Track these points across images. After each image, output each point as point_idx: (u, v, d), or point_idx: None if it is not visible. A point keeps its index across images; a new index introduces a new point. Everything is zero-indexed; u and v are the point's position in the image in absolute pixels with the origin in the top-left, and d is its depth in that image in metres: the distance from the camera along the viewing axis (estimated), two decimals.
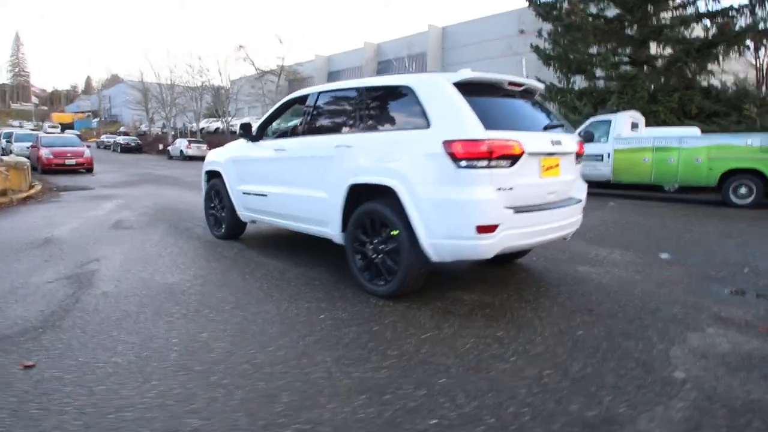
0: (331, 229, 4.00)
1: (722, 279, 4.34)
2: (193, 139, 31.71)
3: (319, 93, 4.33)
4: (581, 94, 17.86)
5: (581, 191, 3.98)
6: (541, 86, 3.97)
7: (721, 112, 15.31)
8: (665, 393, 2.30)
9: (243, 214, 5.23)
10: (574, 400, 2.22)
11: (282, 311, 3.34)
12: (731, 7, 15.27)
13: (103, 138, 40.92)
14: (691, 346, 2.85)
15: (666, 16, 16.43)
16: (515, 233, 3.25)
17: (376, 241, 3.61)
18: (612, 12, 17.68)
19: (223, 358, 2.61)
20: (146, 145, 38.62)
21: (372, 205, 3.59)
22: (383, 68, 41.31)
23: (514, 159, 3.18)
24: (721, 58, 15.01)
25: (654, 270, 4.61)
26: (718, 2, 15.72)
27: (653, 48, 17.05)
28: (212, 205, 5.78)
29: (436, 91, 3.36)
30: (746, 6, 15.01)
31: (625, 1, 16.65)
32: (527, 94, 3.89)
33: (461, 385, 2.35)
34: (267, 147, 4.77)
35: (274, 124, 5.25)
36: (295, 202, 4.31)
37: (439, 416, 2.07)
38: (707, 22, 15.88)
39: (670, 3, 16.46)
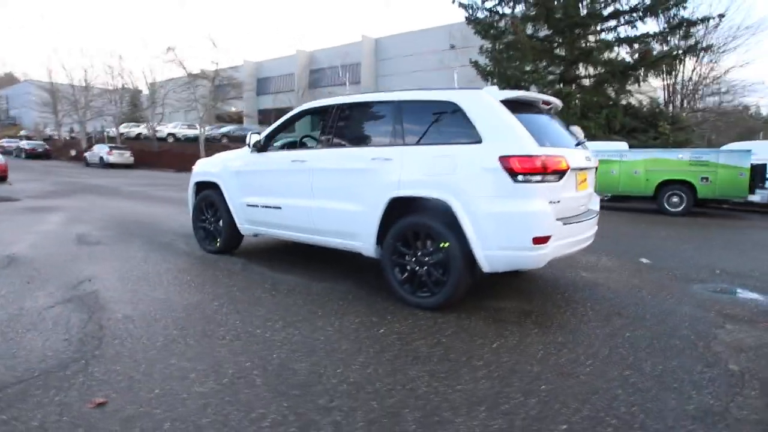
0: (362, 243, 3.96)
1: (704, 280, 4.87)
2: (115, 145, 29.40)
3: (343, 105, 4.28)
4: None
5: (597, 204, 4.30)
6: (560, 104, 4.23)
7: (640, 128, 17.08)
8: (734, 384, 2.56)
9: (245, 227, 5.00)
10: (668, 396, 2.41)
11: (338, 327, 3.25)
12: (647, 34, 17.13)
13: (3, 142, 36.63)
14: (723, 341, 3.19)
15: (592, 39, 18.04)
16: (562, 244, 3.45)
17: (419, 254, 3.64)
18: (544, 32, 19.13)
19: (314, 380, 2.51)
20: (55, 150, 35.18)
21: (418, 219, 3.62)
22: (317, 77, 41.23)
23: (561, 174, 3.38)
24: (641, 79, 16.74)
25: (645, 274, 5.05)
26: (636, 29, 17.58)
27: (581, 68, 18.63)
28: (203, 218, 5.46)
29: (485, 107, 3.48)
30: (660, 34, 16.93)
31: (556, 24, 18.09)
32: (551, 111, 4.14)
33: (563, 390, 2.45)
34: (280, 158, 4.62)
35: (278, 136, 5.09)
36: (319, 216, 4.21)
37: (565, 421, 2.16)
38: (632, 46, 17.66)
39: (595, 28, 18.13)
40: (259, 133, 4.77)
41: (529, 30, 18.57)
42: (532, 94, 3.85)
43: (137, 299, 3.75)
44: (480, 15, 20.16)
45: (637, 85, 17.18)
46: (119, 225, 7.32)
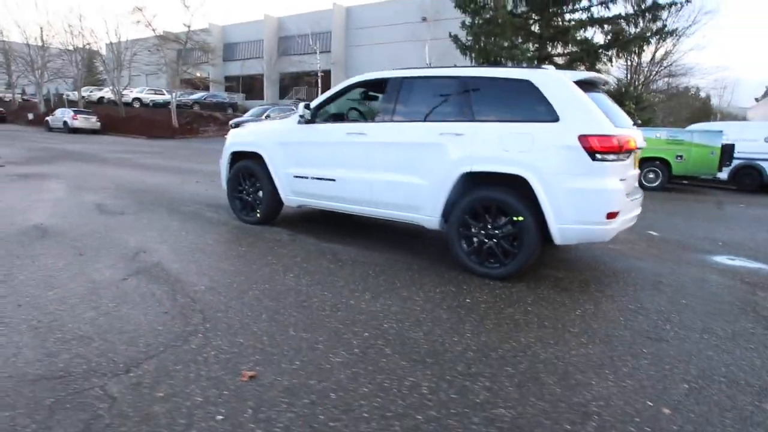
0: (426, 215, 3.98)
1: (712, 251, 5.22)
2: (79, 109, 27.38)
3: (404, 78, 4.18)
4: None
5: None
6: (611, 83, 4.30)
7: None
8: None
9: (290, 198, 4.88)
10: (752, 355, 2.63)
11: (425, 298, 3.27)
12: (619, 15, 17.47)
13: None
14: (765, 307, 3.48)
15: (568, 18, 18.22)
16: (625, 219, 3.61)
17: (489, 226, 3.70)
18: (521, 9, 19.12)
19: (440, 348, 2.55)
20: (10, 114, 32.44)
21: (491, 193, 3.65)
22: (287, 44, 39.68)
23: (629, 153, 3.50)
24: (612, 60, 17.17)
25: (660, 245, 5.35)
26: (609, 10, 17.88)
27: (556, 47, 18.84)
28: (240, 188, 5.28)
29: (561, 87, 3.50)
30: (631, 16, 17.31)
31: (533, 1, 18.12)
32: (605, 91, 4.22)
33: (666, 352, 2.62)
34: (334, 131, 4.50)
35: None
36: (379, 188, 4.16)
37: (683, 380, 2.33)
38: (603, 27, 17.96)
39: (571, 7, 18.28)
40: (308, 105, 4.60)
41: (509, 6, 18.51)
42: (597, 75, 3.90)
43: (207, 271, 3.63)
44: None
45: (610, 64, 17.66)
46: (130, 194, 6.93)
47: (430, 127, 3.90)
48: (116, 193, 6.99)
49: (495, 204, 3.64)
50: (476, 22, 19.31)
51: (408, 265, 4.00)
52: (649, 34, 16.76)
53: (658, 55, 21.10)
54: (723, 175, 11.25)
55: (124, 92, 28.91)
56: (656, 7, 16.77)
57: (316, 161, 4.56)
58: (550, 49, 18.95)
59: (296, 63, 38.48)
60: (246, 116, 25.23)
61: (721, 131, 10.58)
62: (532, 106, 3.56)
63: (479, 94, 3.79)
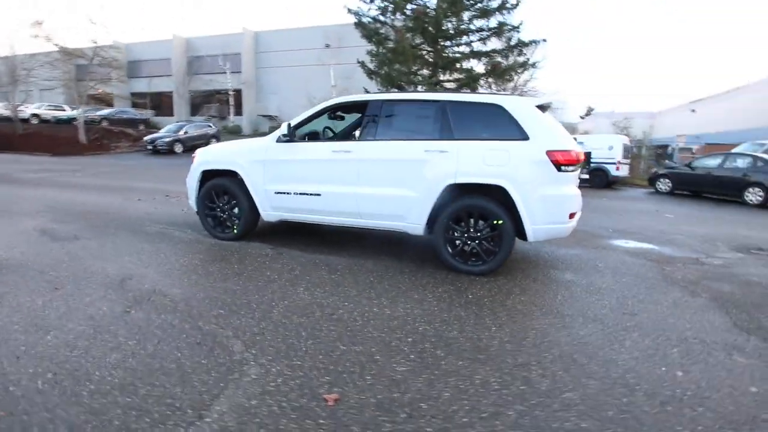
0: (412, 223, 3.90)
1: (609, 236, 5.88)
2: None
3: (385, 101, 4.05)
4: None
5: None
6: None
7: None
8: (710, 303, 3.29)
9: (269, 213, 4.45)
10: (703, 318, 2.99)
11: (439, 298, 3.19)
12: (494, 50, 19.02)
13: None
14: (677, 277, 3.99)
15: (456, 50, 19.38)
16: (578, 218, 3.88)
17: (471, 229, 3.74)
18: (417, 41, 19.88)
19: (496, 345, 2.49)
20: None
21: (474, 201, 3.69)
22: (197, 64, 36.60)
23: (580, 164, 3.78)
24: (491, 86, 18.62)
25: (576, 234, 5.89)
26: (485, 45, 19.36)
27: (447, 74, 19.91)
28: (212, 206, 4.69)
29: (526, 110, 3.66)
30: (503, 50, 18.93)
31: (428, 36, 18.97)
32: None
33: (645, 324, 2.85)
34: (317, 148, 4.19)
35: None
36: (367, 200, 3.98)
37: (674, 345, 2.56)
38: (480, 59, 19.37)
39: (455, 41, 19.47)
40: (290, 124, 4.24)
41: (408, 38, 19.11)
42: (547, 100, 4.14)
43: (213, 293, 3.15)
44: (365, 21, 19.99)
45: (491, 88, 19.16)
46: (74, 217, 5.79)
47: (416, 145, 3.83)
48: (57, 216, 5.79)
49: (478, 210, 3.69)
50: (380, 50, 19.63)
51: (400, 269, 3.88)
52: (517, 66, 18.44)
53: (522, 80, 23.24)
54: (584, 176, 12.82)
55: (21, 108, 24.19)
56: (521, 45, 18.54)
57: (300, 177, 4.22)
58: (441, 75, 19.98)
59: (207, 82, 35.76)
60: (162, 132, 22.76)
61: (583, 142, 12.04)
62: (504, 126, 3.67)
63: (456, 116, 3.80)
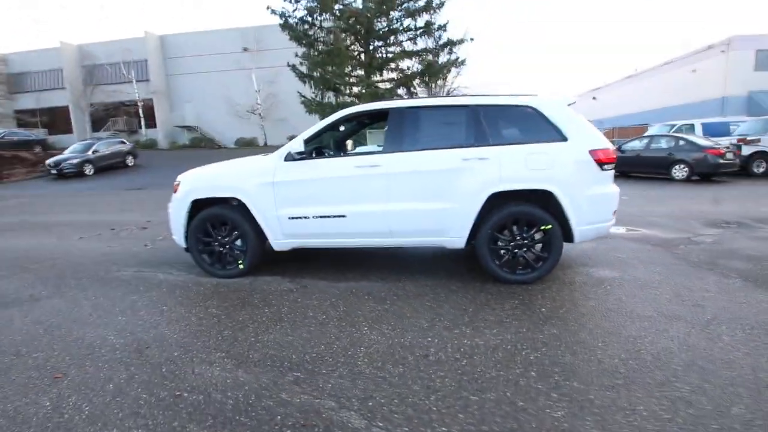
0: (453, 236, 3.64)
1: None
2: None
3: (408, 108, 3.72)
4: (336, 107, 19.18)
5: None
6: None
7: None
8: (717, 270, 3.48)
9: (281, 242, 3.90)
10: (733, 299, 3.13)
11: (500, 319, 2.98)
12: (425, 49, 19.37)
13: None
14: (691, 259, 4.21)
15: (389, 50, 19.40)
16: None
17: (518, 237, 3.59)
18: (349, 41, 19.57)
19: (592, 363, 2.32)
20: None
21: (521, 208, 3.53)
22: (95, 72, 32.60)
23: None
24: (430, 85, 18.94)
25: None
26: (416, 44, 19.66)
27: (382, 74, 19.87)
28: (208, 240, 4.02)
29: (560, 110, 3.57)
30: (433, 50, 19.34)
31: (360, 38, 18.77)
32: None
33: (706, 313, 2.90)
34: (338, 165, 3.73)
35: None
36: (400, 218, 3.63)
37: (744, 330, 2.61)
38: (412, 58, 19.60)
39: (387, 41, 19.50)
40: (295, 138, 3.73)
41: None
42: (573, 99, 4.07)
43: (270, 352, 2.61)
44: (291, 22, 19.19)
45: (423, 88, 19.45)
46: (10, 269, 4.64)
47: (451, 154, 3.57)
48: None
49: (525, 217, 3.54)
50: (311, 53, 19.00)
51: (447, 288, 3.59)
52: (449, 64, 18.95)
53: (455, 81, 23.92)
54: None
55: None
56: (451, 44, 19.10)
57: (319, 199, 3.75)
58: (375, 76, 19.88)
59: (110, 93, 32.11)
60: (67, 153, 19.88)
61: None
62: (540, 128, 3.55)
63: (490, 120, 3.61)
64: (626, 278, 3.74)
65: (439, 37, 19.27)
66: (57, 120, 33.29)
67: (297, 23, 19.26)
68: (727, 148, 11.53)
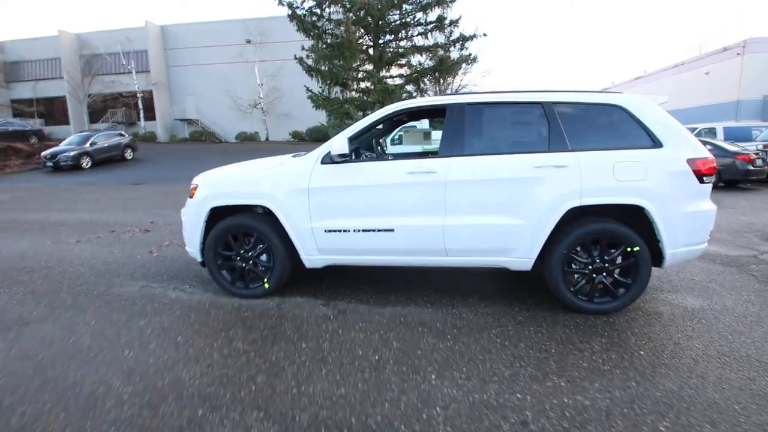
0: (520, 257, 3.09)
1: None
2: None
3: (469, 105, 3.15)
4: (344, 103, 18.52)
5: None
6: None
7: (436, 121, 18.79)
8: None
9: (316, 258, 3.34)
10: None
11: (593, 363, 2.44)
12: (437, 44, 18.72)
13: None
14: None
15: (401, 44, 18.74)
16: None
17: (597, 260, 3.03)
18: (359, 34, 18.88)
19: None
20: None
21: (604, 225, 2.97)
22: (93, 62, 31.80)
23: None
24: (441, 80, 18.32)
25: None
26: (428, 39, 19.00)
27: (392, 69, 19.23)
28: (229, 254, 3.45)
29: (653, 111, 3.01)
30: (445, 45, 18.70)
31: (370, 30, 18.11)
32: None
33: None
34: (388, 169, 3.16)
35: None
36: (459, 233, 3.06)
37: None
38: (422, 54, 18.95)
39: (398, 36, 18.84)
40: (348, 137, 3.16)
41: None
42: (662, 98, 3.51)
43: (314, 410, 2.06)
44: (300, 13, 18.49)
45: (435, 85, 18.82)
46: (13, 282, 4.07)
47: (522, 160, 3.00)
48: None
49: (608, 236, 2.99)
50: (319, 46, 18.32)
51: (512, 317, 3.05)
52: (462, 60, 18.31)
53: (465, 80, 23.33)
54: None
55: None
56: (463, 39, 18.46)
57: (363, 209, 3.18)
58: (385, 71, 19.23)
59: (109, 84, 31.37)
60: (63, 145, 19.16)
61: None
62: (628, 131, 3.00)
63: (568, 120, 3.05)
64: (716, 308, 3.20)
65: (450, 33, 18.63)
66: (54, 110, 32.51)
67: (305, 14, 18.56)
68: (757, 154, 11.02)
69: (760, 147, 12.02)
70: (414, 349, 2.61)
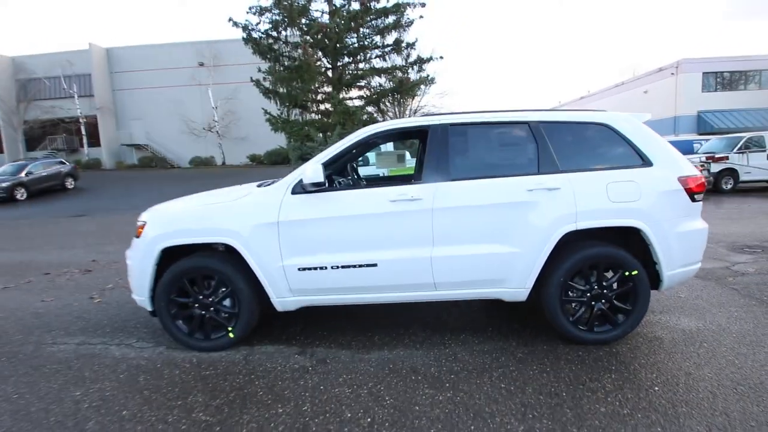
0: (514, 287, 2.85)
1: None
2: None
3: (452, 125, 2.92)
4: (304, 125, 18.19)
5: None
6: None
7: None
8: None
9: (289, 300, 2.93)
10: None
11: (610, 406, 2.21)
12: (396, 66, 18.93)
13: None
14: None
15: (359, 66, 18.78)
16: None
17: (596, 287, 2.85)
18: (316, 57, 18.77)
19: None
20: None
21: (602, 249, 2.80)
22: (30, 86, 29.80)
23: None
24: (400, 100, 18.45)
25: None
26: (386, 61, 19.20)
27: (350, 91, 19.20)
28: (185, 302, 2.97)
29: (639, 129, 2.91)
30: (403, 67, 18.95)
31: (328, 52, 18.06)
32: None
33: None
34: (367, 197, 2.84)
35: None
36: (448, 265, 2.79)
37: None
38: (380, 75, 19.07)
39: (361, 58, 18.91)
40: (322, 164, 2.83)
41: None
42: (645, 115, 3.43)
43: None
44: (255, 36, 18.17)
45: (393, 107, 18.95)
46: None
47: (512, 183, 2.80)
48: None
49: (606, 261, 2.82)
50: (277, 68, 18.03)
51: (512, 355, 2.78)
52: (420, 82, 18.59)
53: (423, 102, 23.67)
54: None
55: None
56: (420, 61, 18.81)
57: (341, 243, 2.84)
58: (344, 93, 19.16)
59: (48, 109, 29.38)
60: None
61: None
62: (617, 150, 2.89)
63: (556, 140, 2.89)
64: (713, 328, 3.10)
65: (408, 55, 18.94)
66: None
67: (261, 37, 18.27)
68: (702, 166, 11.72)
69: (703, 159, 12.84)
70: (410, 405, 2.27)
